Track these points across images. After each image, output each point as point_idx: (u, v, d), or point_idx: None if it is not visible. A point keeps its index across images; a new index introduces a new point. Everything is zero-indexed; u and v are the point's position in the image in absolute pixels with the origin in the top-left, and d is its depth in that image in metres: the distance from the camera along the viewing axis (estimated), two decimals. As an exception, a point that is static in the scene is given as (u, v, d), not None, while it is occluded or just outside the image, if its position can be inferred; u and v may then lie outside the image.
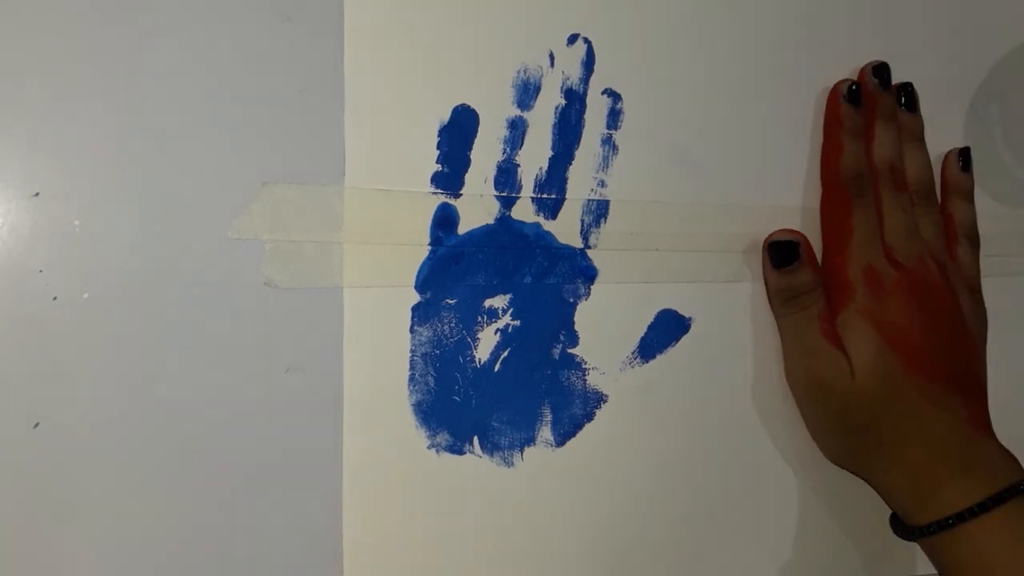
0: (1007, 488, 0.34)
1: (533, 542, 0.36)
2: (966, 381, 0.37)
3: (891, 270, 0.37)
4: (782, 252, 0.38)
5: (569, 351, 0.37)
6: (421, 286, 0.35)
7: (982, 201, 0.42)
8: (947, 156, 0.42)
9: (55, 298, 0.31)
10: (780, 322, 0.39)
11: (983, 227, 0.41)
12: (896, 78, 0.40)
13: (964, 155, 0.41)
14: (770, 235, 0.39)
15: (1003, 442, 0.37)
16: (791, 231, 0.38)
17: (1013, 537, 0.34)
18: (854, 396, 0.36)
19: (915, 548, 0.40)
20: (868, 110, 0.40)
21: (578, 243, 0.37)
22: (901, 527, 0.37)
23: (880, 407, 0.36)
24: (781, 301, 0.38)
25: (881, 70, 0.40)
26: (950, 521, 0.34)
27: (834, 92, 0.40)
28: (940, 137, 0.42)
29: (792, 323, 0.38)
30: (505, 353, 0.36)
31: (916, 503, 0.36)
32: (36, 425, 0.31)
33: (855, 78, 0.40)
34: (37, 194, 0.31)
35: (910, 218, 0.39)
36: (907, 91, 0.40)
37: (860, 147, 0.39)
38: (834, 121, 0.39)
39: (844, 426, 0.37)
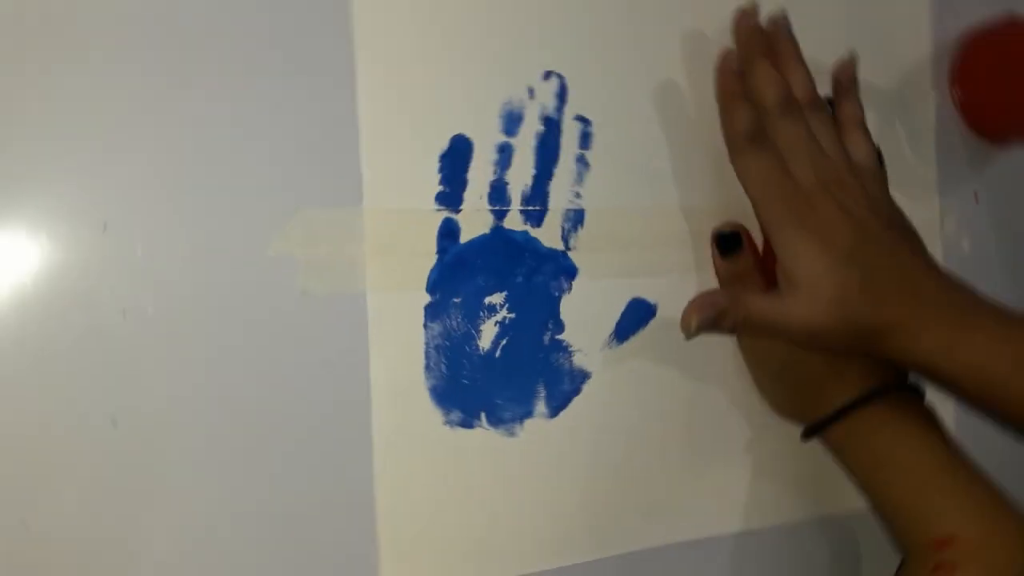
0: (874, 389, 0.38)
1: (535, 497, 0.40)
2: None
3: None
4: (727, 242, 0.41)
5: (557, 337, 0.40)
6: (431, 288, 0.38)
7: (893, 195, 0.43)
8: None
9: (124, 314, 0.33)
10: None
11: None
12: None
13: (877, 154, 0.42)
14: (716, 227, 0.42)
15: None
16: (733, 223, 0.42)
17: (871, 430, 0.38)
18: (796, 354, 0.40)
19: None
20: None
21: (560, 246, 0.40)
22: (805, 432, 0.41)
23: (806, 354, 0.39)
24: (727, 284, 0.42)
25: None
26: (835, 417, 0.39)
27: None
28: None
29: None
30: (504, 341, 0.39)
31: (811, 409, 0.40)
32: (114, 423, 0.33)
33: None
34: (106, 226, 0.33)
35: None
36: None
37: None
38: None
39: (777, 374, 0.41)
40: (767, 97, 0.39)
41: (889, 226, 0.38)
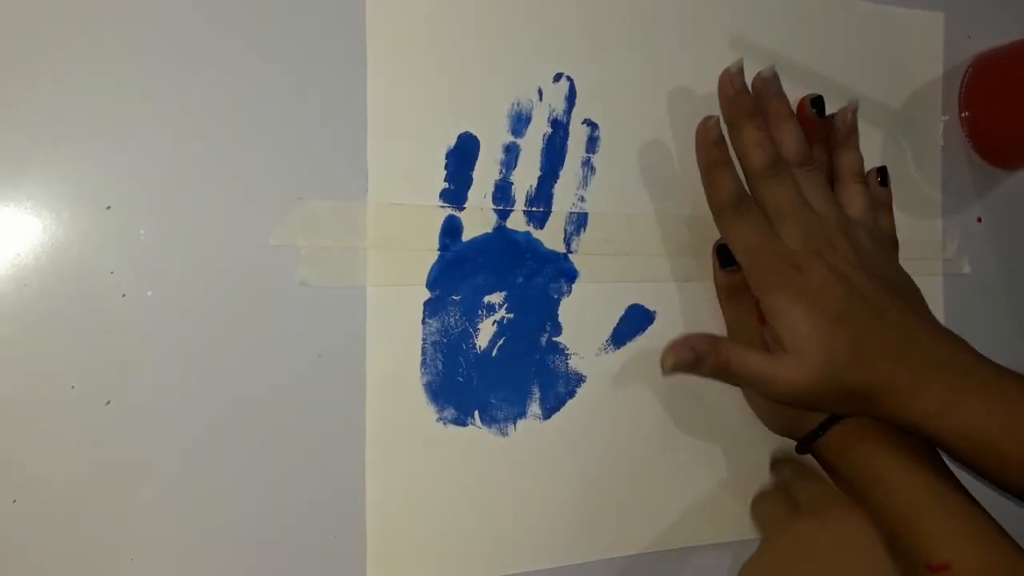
0: None
1: (524, 498, 0.40)
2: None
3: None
4: (728, 254, 0.41)
5: (554, 339, 0.40)
6: (431, 285, 0.38)
7: (897, 215, 0.44)
8: (868, 173, 0.43)
9: (124, 295, 0.34)
10: (725, 312, 0.42)
11: (901, 237, 0.44)
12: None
13: (882, 173, 0.44)
14: (718, 240, 0.41)
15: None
16: None
17: (858, 440, 0.38)
18: None
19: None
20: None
21: (562, 249, 0.40)
22: (798, 447, 0.41)
23: None
24: (726, 295, 0.42)
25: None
26: (817, 432, 0.39)
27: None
28: (868, 163, 0.44)
29: (734, 313, 0.42)
30: (501, 341, 0.39)
31: (799, 424, 0.40)
32: (108, 403, 0.33)
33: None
34: (109, 207, 0.33)
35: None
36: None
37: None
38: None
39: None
40: (753, 161, 0.39)
41: (883, 285, 0.38)
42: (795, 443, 0.42)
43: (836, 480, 0.40)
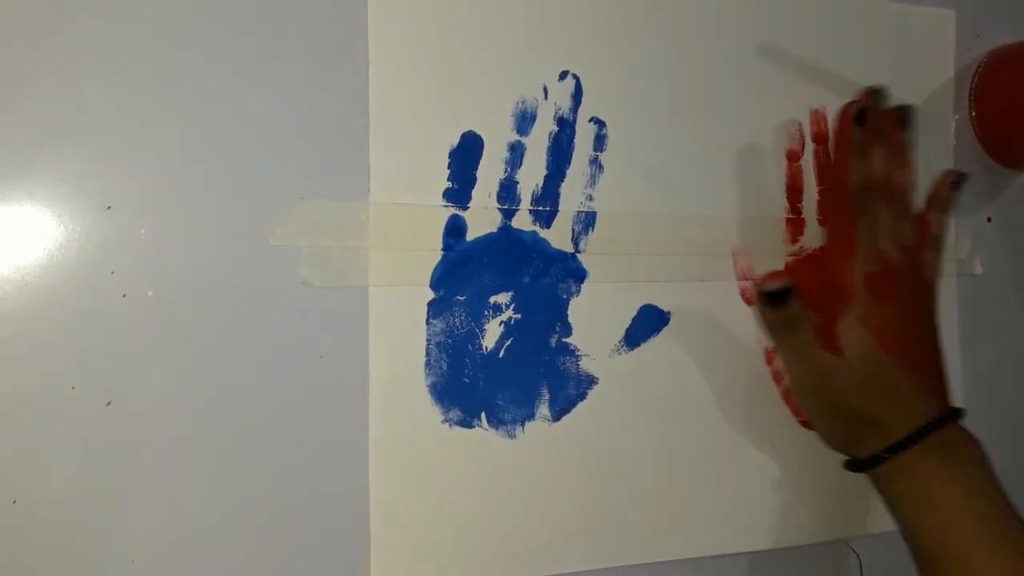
0: (925, 425, 0.37)
1: (531, 502, 0.39)
2: (928, 360, 0.39)
3: (887, 278, 0.39)
4: (776, 298, 0.39)
5: (564, 340, 0.40)
6: (435, 285, 0.38)
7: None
8: (943, 173, 0.43)
9: (124, 295, 0.34)
10: (781, 346, 0.40)
11: None
12: (839, 104, 0.42)
13: (958, 179, 0.43)
14: (762, 283, 0.39)
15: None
16: (781, 276, 0.39)
17: (926, 467, 0.36)
18: (853, 387, 0.38)
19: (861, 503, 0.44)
20: (869, 128, 0.41)
21: (569, 248, 0.40)
22: (850, 464, 0.39)
23: (867, 386, 0.38)
24: (778, 330, 0.40)
25: (880, 93, 0.42)
26: (883, 455, 0.37)
27: (843, 115, 0.42)
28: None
29: (792, 346, 0.39)
30: (508, 342, 0.39)
31: (863, 442, 0.38)
32: (108, 403, 0.33)
33: (856, 99, 0.42)
34: (110, 207, 0.34)
35: (899, 226, 0.41)
36: (905, 111, 0.42)
37: (866, 165, 0.41)
38: (843, 141, 0.42)
39: (844, 413, 0.38)
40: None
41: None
42: (846, 459, 0.40)
43: (888, 497, 0.38)
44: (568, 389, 0.40)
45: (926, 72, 0.49)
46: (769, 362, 0.44)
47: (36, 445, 0.33)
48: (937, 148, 0.49)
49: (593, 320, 0.40)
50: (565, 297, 0.40)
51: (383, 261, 0.37)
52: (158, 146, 0.34)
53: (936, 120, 0.49)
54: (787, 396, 0.44)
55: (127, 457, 0.34)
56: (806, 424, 0.44)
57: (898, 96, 0.46)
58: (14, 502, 0.32)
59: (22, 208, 0.33)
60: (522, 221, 0.39)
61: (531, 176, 0.40)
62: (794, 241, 0.45)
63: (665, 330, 0.42)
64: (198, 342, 0.35)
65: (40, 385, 0.33)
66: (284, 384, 0.36)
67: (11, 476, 0.32)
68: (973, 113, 0.50)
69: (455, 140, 0.38)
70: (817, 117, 0.45)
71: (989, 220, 0.52)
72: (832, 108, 0.45)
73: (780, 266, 0.44)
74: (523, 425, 0.39)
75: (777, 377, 0.44)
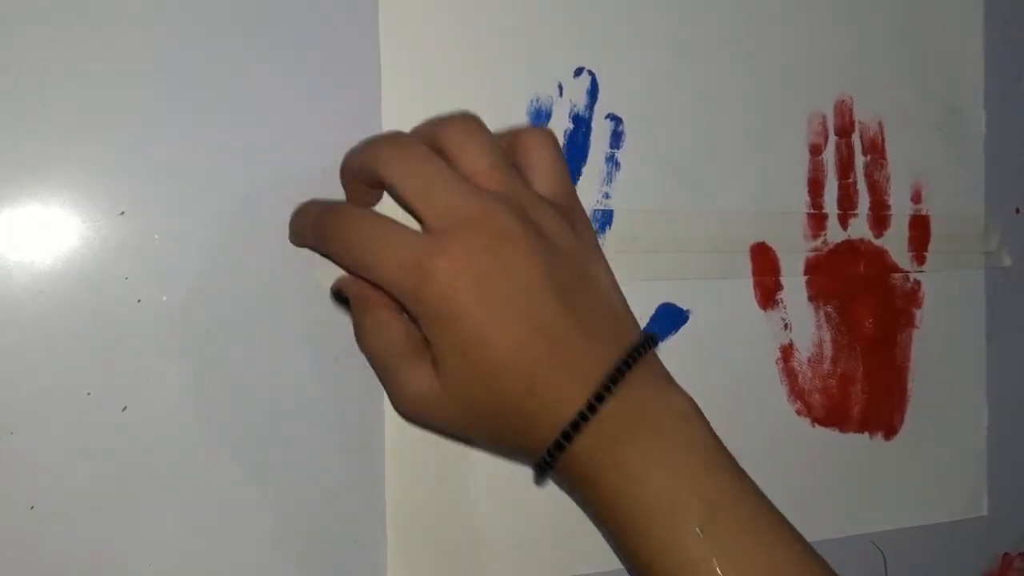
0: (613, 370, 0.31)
1: (551, 502, 0.39)
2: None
3: None
4: (337, 297, 0.35)
5: None
6: None
7: (940, 208, 0.44)
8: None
9: (139, 301, 0.34)
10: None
11: (943, 230, 0.44)
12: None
13: None
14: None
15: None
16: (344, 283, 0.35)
17: (609, 441, 0.30)
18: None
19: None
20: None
21: None
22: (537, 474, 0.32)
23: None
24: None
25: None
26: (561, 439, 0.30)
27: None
28: (908, 155, 0.45)
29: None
30: None
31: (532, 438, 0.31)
32: (124, 408, 0.33)
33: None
34: (123, 213, 0.34)
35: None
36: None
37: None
38: None
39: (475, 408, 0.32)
40: None
41: None
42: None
43: (585, 500, 0.32)
44: (585, 390, 0.39)
45: (955, 61, 0.48)
46: (785, 359, 0.44)
47: (53, 451, 0.33)
48: (967, 140, 0.48)
49: (610, 320, 0.40)
50: (582, 297, 0.40)
51: (397, 262, 0.37)
52: (170, 150, 0.34)
53: (964, 112, 0.48)
54: (794, 393, 0.44)
55: (144, 462, 0.34)
56: (818, 420, 0.44)
57: (927, 85, 0.46)
58: (32, 507, 0.33)
59: (35, 215, 0.33)
60: (537, 220, 0.39)
61: (547, 175, 0.39)
62: (815, 236, 0.44)
63: (684, 328, 0.41)
64: (213, 346, 0.35)
65: (56, 391, 0.33)
66: (300, 387, 0.36)
67: (28, 482, 0.33)
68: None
69: (468, 139, 0.38)
70: (842, 109, 0.44)
71: (1018, 211, 0.50)
72: (858, 99, 0.44)
73: (801, 263, 0.44)
74: (539, 425, 0.39)
75: (787, 373, 0.44)
